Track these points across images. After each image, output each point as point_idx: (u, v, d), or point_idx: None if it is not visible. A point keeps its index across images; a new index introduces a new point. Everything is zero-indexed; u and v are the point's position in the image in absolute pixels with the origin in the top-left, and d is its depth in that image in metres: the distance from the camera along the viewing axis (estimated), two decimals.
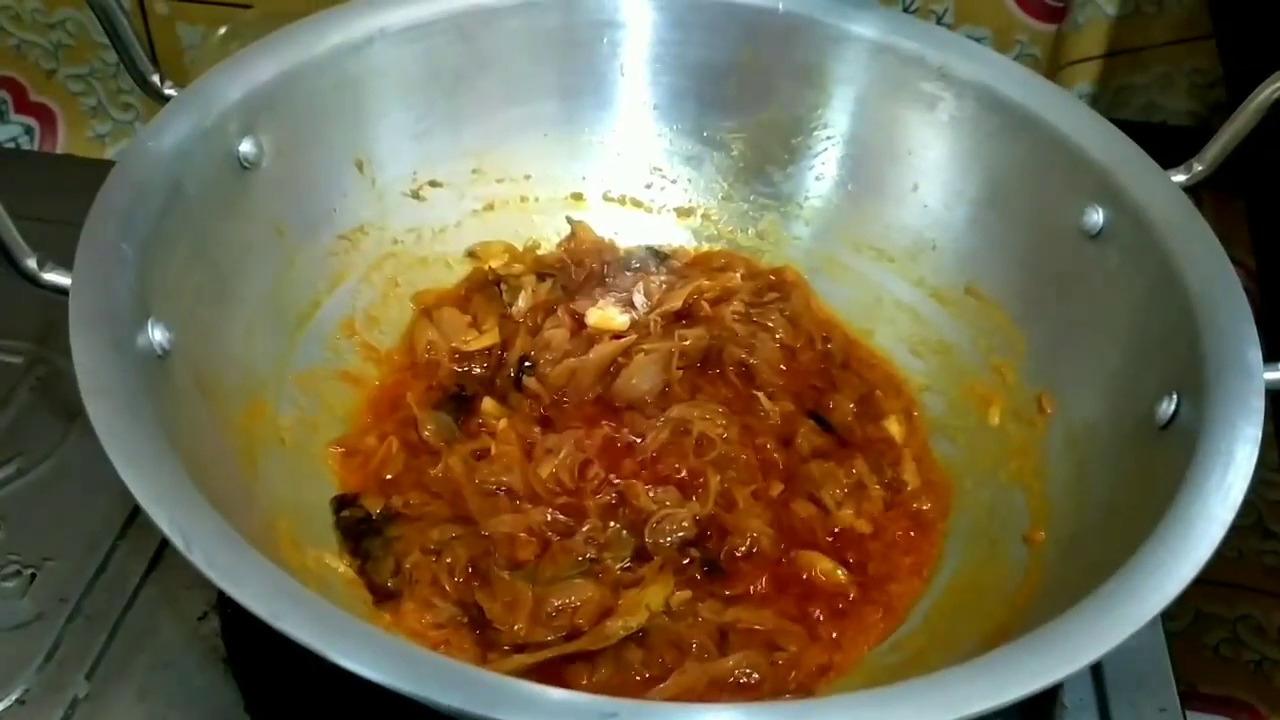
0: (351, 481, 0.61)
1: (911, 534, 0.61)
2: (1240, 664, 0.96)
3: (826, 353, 0.70)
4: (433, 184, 0.71)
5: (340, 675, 0.39)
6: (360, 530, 0.59)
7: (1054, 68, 0.90)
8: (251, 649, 0.58)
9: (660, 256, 0.74)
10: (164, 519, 0.41)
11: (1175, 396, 0.52)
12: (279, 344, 0.62)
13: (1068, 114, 0.64)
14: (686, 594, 0.56)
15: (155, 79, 0.61)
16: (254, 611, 0.39)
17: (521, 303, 0.70)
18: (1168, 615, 0.46)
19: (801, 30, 0.70)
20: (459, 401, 0.66)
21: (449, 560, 0.57)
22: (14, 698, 0.55)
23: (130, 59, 0.60)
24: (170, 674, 0.57)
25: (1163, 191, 0.59)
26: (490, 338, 0.68)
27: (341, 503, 0.60)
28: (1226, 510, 0.46)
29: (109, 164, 0.97)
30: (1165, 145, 0.62)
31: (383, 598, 0.56)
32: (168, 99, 0.60)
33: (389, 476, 0.62)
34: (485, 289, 0.71)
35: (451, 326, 0.68)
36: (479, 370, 0.67)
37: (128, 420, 0.45)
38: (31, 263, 0.49)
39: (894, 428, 0.66)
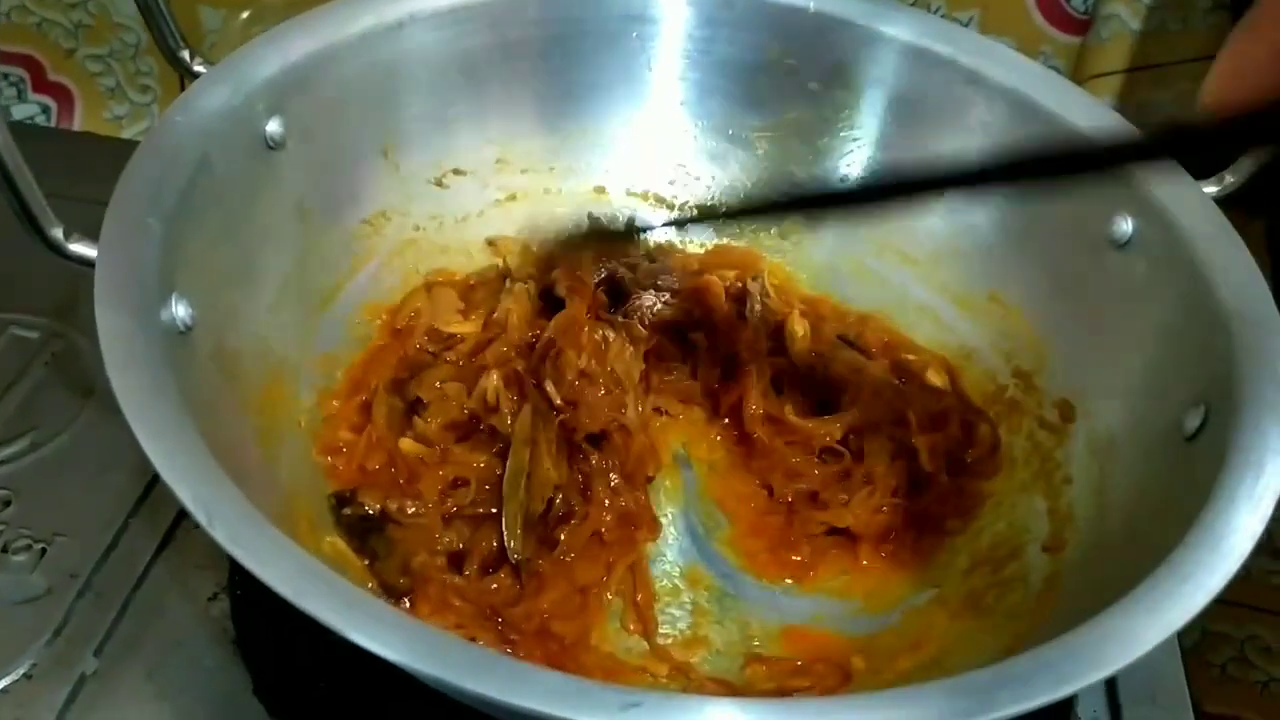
0: (343, 476, 0.59)
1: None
2: (1248, 684, 0.95)
3: None
4: (456, 172, 0.70)
5: (351, 658, 0.38)
6: (364, 528, 0.57)
7: (1076, 80, 0.90)
8: (261, 631, 0.57)
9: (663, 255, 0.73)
10: (187, 494, 0.41)
11: (1203, 408, 0.51)
12: (300, 326, 0.61)
13: (1099, 122, 0.63)
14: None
15: (185, 55, 0.61)
16: (277, 590, 0.38)
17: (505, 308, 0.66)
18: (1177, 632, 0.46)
19: (832, 30, 0.70)
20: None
21: (469, 574, 0.55)
22: (21, 672, 0.55)
23: (161, 33, 0.60)
24: (179, 653, 0.56)
25: (1194, 202, 0.58)
26: (470, 328, 0.66)
27: (340, 500, 0.58)
28: (1256, 522, 0.45)
29: (126, 142, 0.99)
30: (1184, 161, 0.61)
31: (395, 596, 0.54)
32: (196, 75, 0.60)
33: (375, 467, 0.59)
34: (490, 284, 0.70)
35: (442, 304, 0.67)
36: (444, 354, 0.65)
37: (151, 394, 0.44)
38: (57, 233, 0.49)
39: None
